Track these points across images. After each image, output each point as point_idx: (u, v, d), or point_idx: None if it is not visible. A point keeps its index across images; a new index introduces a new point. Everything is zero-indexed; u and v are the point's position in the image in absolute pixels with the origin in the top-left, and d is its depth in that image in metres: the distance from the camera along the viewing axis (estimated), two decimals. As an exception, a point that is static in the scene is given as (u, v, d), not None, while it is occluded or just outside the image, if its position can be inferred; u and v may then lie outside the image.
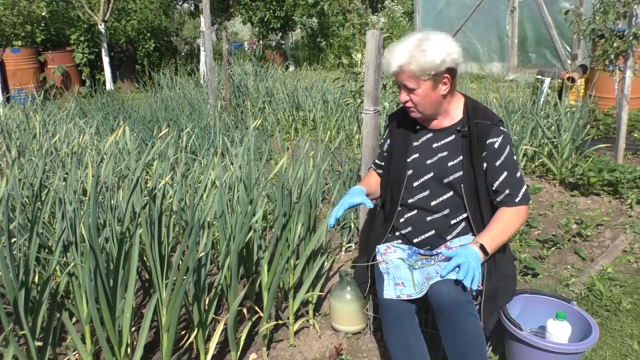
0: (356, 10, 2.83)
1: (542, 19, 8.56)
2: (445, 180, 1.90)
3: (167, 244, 1.91)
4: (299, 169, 2.56)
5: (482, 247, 1.75)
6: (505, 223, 1.83)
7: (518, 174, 1.87)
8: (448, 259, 1.78)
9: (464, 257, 1.69)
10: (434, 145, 1.95)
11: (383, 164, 2.12)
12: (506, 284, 1.91)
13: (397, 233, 2.03)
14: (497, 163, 1.85)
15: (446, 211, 1.91)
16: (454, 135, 1.93)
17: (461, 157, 1.89)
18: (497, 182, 1.85)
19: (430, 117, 1.93)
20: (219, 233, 2.14)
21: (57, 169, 2.98)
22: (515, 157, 1.90)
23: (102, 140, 4.13)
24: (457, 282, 1.70)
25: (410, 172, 1.96)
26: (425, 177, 1.93)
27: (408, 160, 1.97)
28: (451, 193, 1.90)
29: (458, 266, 1.68)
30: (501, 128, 1.88)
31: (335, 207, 1.95)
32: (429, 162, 1.94)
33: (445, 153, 1.92)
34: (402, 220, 1.99)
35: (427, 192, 1.93)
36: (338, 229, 3.14)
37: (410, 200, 1.96)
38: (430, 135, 1.97)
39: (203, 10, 5.20)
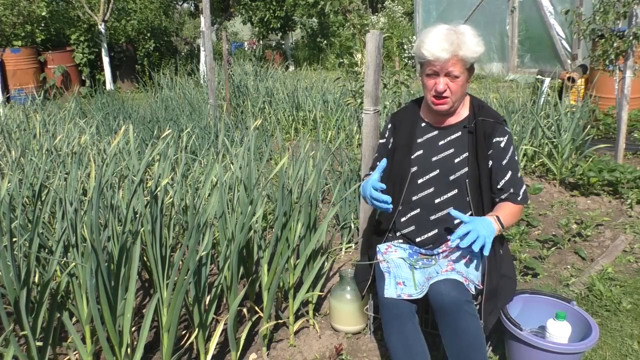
0: (356, 10, 2.83)
1: (542, 19, 8.56)
2: (452, 177, 1.90)
3: (167, 244, 1.91)
4: (299, 169, 2.56)
5: (497, 219, 1.77)
6: (511, 211, 1.85)
7: (519, 174, 1.90)
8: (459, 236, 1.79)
9: (475, 224, 1.69)
10: (440, 143, 1.95)
11: None
12: (506, 284, 1.91)
13: (398, 233, 2.03)
14: (503, 162, 1.87)
15: (450, 209, 1.91)
16: (460, 132, 1.94)
17: (467, 154, 1.90)
18: (503, 181, 1.87)
19: (452, 112, 1.93)
20: (219, 233, 2.15)
21: (58, 169, 2.98)
22: (516, 158, 1.92)
23: (102, 140, 4.13)
24: (457, 282, 1.70)
25: (414, 169, 1.96)
26: (431, 174, 1.94)
27: (412, 157, 1.97)
28: (456, 191, 1.91)
29: (468, 233, 1.68)
30: (506, 128, 1.91)
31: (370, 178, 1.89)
32: (434, 159, 1.94)
33: (451, 150, 1.93)
34: (404, 219, 1.99)
35: (431, 190, 1.93)
36: (338, 229, 3.15)
37: (414, 198, 1.96)
38: (435, 132, 1.98)
39: (203, 10, 5.20)
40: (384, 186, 1.83)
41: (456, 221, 1.92)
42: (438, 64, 1.79)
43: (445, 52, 1.76)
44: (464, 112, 1.96)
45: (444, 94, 1.84)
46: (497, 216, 1.78)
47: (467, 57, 1.79)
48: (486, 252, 1.68)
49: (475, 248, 1.66)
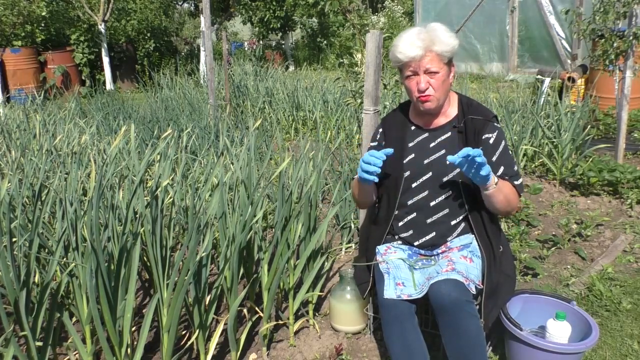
0: (356, 10, 2.83)
1: (542, 19, 8.57)
2: (445, 179, 1.90)
3: (167, 245, 1.91)
4: (299, 169, 2.56)
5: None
6: (509, 187, 1.84)
7: (515, 167, 1.89)
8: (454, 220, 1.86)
9: (477, 153, 1.67)
10: (431, 145, 1.95)
11: None
12: (506, 282, 1.91)
13: (396, 236, 2.03)
14: (494, 159, 1.87)
15: (446, 211, 1.91)
16: (450, 132, 1.93)
17: None
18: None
19: (439, 110, 1.92)
20: (220, 233, 2.15)
21: (58, 169, 2.99)
22: (510, 152, 1.92)
23: (103, 140, 4.13)
24: (457, 282, 1.70)
25: (407, 173, 1.95)
26: (424, 178, 1.93)
27: (404, 161, 1.97)
28: (450, 192, 1.90)
29: (468, 156, 1.67)
30: (495, 124, 1.90)
31: (364, 159, 1.81)
32: (426, 161, 1.94)
33: (442, 151, 1.92)
34: (401, 223, 1.99)
35: (426, 193, 1.93)
36: (338, 229, 3.15)
37: (409, 202, 1.95)
38: (426, 135, 1.97)
39: (203, 10, 5.20)
40: (390, 151, 1.81)
41: (452, 222, 1.92)
42: (414, 63, 1.80)
43: (419, 49, 1.77)
44: (452, 111, 1.95)
45: (427, 92, 1.83)
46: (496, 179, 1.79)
47: (442, 51, 1.79)
48: (484, 172, 1.67)
49: (478, 158, 1.64)
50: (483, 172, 1.69)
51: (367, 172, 1.80)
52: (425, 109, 1.89)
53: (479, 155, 1.66)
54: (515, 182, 1.87)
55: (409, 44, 1.79)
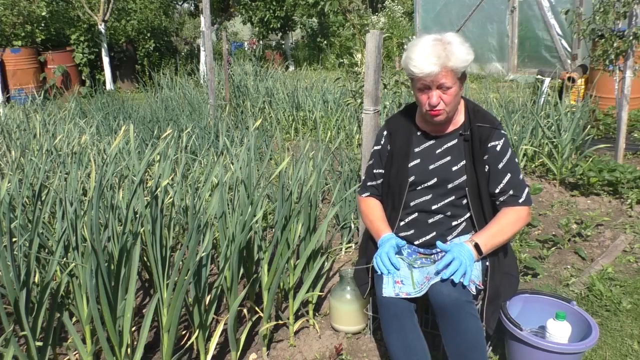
0: (356, 10, 2.83)
1: (542, 19, 8.57)
2: (450, 186, 1.90)
3: (167, 245, 1.91)
4: (299, 169, 2.56)
5: (476, 246, 1.77)
6: (504, 224, 1.84)
7: (520, 176, 1.89)
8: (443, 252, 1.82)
9: (457, 252, 1.73)
10: (437, 151, 1.95)
11: (383, 171, 2.08)
12: (509, 281, 1.92)
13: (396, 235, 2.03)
14: (500, 166, 1.86)
15: (448, 213, 1.92)
16: (456, 140, 1.93)
17: (464, 162, 1.90)
18: (501, 185, 1.86)
19: (448, 120, 1.92)
20: (220, 233, 2.15)
21: (58, 169, 2.98)
22: (516, 160, 1.91)
23: (102, 140, 4.13)
24: (458, 282, 1.70)
25: (412, 178, 1.95)
26: (429, 183, 1.93)
27: (409, 166, 1.97)
28: (453, 197, 1.91)
29: (451, 261, 1.72)
30: (502, 131, 1.90)
31: (380, 258, 1.86)
32: (432, 167, 1.94)
33: (448, 158, 1.92)
34: (402, 223, 2.00)
35: (429, 196, 1.93)
36: (338, 229, 3.15)
37: (412, 204, 1.96)
38: (432, 141, 1.97)
39: (203, 10, 5.20)
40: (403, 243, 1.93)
41: (454, 223, 1.92)
42: (428, 79, 1.76)
43: (435, 65, 1.72)
44: (459, 118, 1.95)
45: (438, 107, 1.81)
46: (476, 243, 1.78)
47: (457, 67, 1.75)
48: (465, 282, 1.69)
49: (456, 278, 1.68)
50: (456, 278, 1.71)
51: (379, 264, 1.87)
52: (435, 121, 1.88)
53: (458, 272, 1.70)
54: (520, 200, 1.86)
55: (424, 58, 1.73)
